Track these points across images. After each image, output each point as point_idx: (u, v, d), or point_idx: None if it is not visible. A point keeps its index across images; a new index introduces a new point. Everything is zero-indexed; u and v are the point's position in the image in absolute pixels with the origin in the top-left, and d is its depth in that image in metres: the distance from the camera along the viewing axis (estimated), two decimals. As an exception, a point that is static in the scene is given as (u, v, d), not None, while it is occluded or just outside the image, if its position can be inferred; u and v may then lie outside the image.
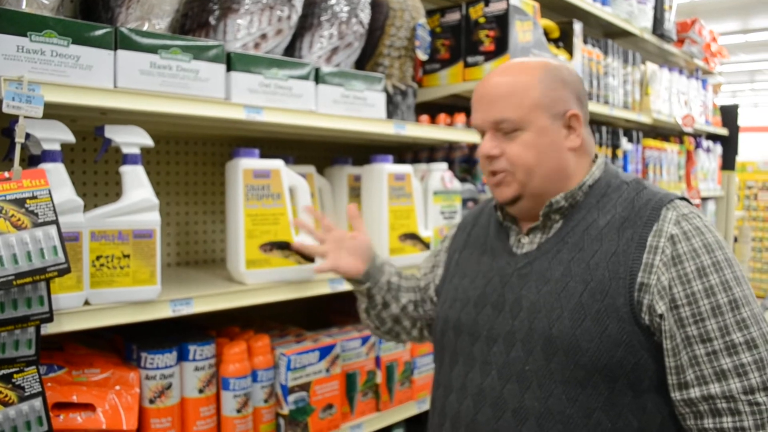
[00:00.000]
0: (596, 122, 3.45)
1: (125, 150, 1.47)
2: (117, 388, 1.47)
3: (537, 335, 1.24)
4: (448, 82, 2.49)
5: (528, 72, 1.34)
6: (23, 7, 1.36)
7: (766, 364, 1.11)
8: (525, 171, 1.31)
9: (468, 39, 2.43)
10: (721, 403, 1.12)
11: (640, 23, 3.60)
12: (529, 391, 1.23)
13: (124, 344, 1.67)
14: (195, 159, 2.19)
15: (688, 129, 4.07)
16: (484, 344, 1.32)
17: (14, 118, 1.26)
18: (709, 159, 4.78)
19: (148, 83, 1.47)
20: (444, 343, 1.43)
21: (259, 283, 1.71)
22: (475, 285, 1.40)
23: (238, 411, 1.69)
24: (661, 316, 1.16)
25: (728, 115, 5.14)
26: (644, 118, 3.64)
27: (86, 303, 1.39)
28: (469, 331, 1.36)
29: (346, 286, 1.91)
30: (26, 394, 1.23)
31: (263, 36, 1.74)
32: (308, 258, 1.77)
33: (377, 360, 2.06)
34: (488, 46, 2.37)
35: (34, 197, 1.23)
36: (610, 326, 1.18)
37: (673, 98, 4.03)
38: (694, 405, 1.15)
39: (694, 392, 1.14)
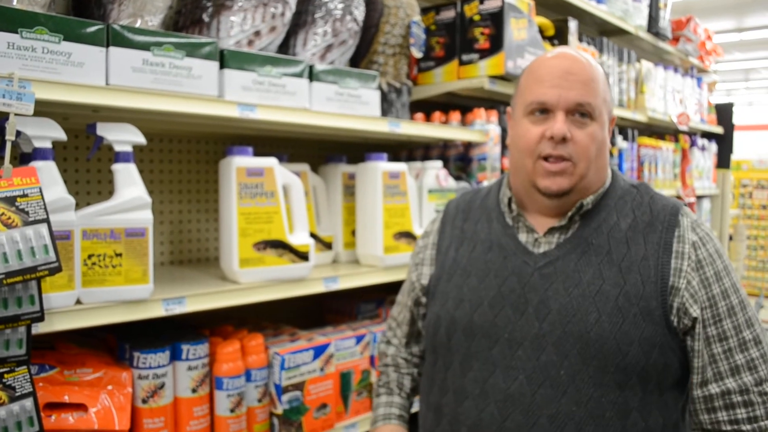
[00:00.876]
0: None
1: (117, 148, 1.46)
2: (109, 387, 1.46)
3: (573, 339, 1.22)
4: (443, 80, 2.48)
5: (596, 65, 1.33)
6: (14, 3, 1.35)
7: None
8: (587, 162, 1.28)
9: (463, 37, 2.42)
10: (736, 397, 1.20)
11: (635, 21, 3.60)
12: (565, 396, 1.20)
13: (116, 343, 1.66)
14: (188, 157, 2.18)
15: (683, 127, 4.07)
16: (506, 348, 1.27)
17: (4, 116, 1.25)
18: (704, 157, 4.78)
19: (141, 80, 1.46)
20: (451, 345, 1.36)
21: (253, 281, 1.70)
22: (487, 284, 1.34)
23: (232, 411, 1.69)
24: (695, 319, 1.22)
25: (723, 113, 5.15)
26: (639, 117, 3.64)
27: (78, 302, 1.38)
28: (486, 333, 1.30)
29: (340, 285, 1.90)
30: (17, 394, 1.22)
31: (257, 33, 1.73)
32: (302, 256, 1.77)
33: (372, 359, 2.05)
34: (483, 43, 2.36)
35: (24, 195, 1.22)
36: (646, 329, 1.20)
37: (668, 96, 4.03)
38: (711, 401, 1.21)
39: (714, 388, 1.21)
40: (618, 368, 1.19)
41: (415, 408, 1.54)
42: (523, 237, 1.35)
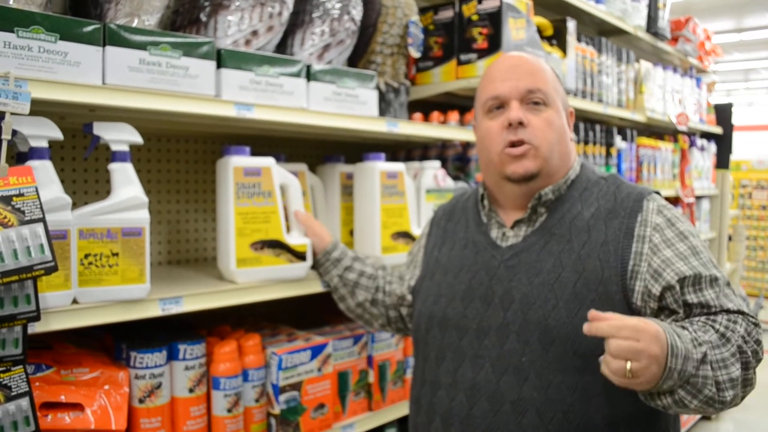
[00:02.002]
0: (590, 120, 3.45)
1: (114, 147, 1.46)
2: (106, 387, 1.46)
3: (533, 326, 1.25)
4: (441, 79, 2.48)
5: (544, 62, 1.42)
6: (10, 2, 1.35)
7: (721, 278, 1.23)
8: (548, 146, 1.34)
9: (461, 36, 2.42)
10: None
11: (634, 21, 3.59)
12: (527, 383, 1.24)
13: (113, 343, 1.66)
14: (185, 157, 2.18)
15: (682, 127, 4.07)
16: (474, 338, 1.32)
17: (1, 115, 1.24)
18: (704, 157, 4.78)
19: (138, 80, 1.45)
20: (428, 339, 1.43)
21: (250, 281, 1.70)
22: (460, 279, 1.41)
23: (229, 411, 1.68)
24: (659, 296, 1.22)
25: (722, 113, 5.15)
26: (638, 117, 3.64)
27: (74, 302, 1.38)
28: (456, 325, 1.37)
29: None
30: (13, 393, 1.22)
31: (254, 33, 1.73)
32: (299, 257, 1.76)
33: (369, 359, 2.05)
34: (481, 43, 2.36)
35: (20, 195, 1.22)
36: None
37: (668, 97, 4.03)
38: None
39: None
40: (576, 354, 1.21)
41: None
42: (494, 233, 1.42)
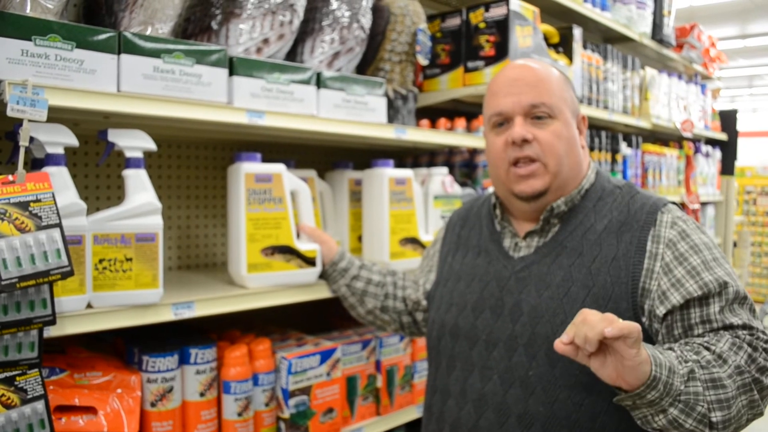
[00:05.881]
0: (596, 127, 3.46)
1: (128, 154, 1.48)
2: (119, 391, 1.48)
3: (540, 340, 1.24)
4: (448, 86, 2.50)
5: (549, 67, 1.37)
6: (27, 11, 1.37)
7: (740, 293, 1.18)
8: (556, 160, 1.30)
9: (468, 44, 2.44)
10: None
11: (640, 28, 3.61)
12: (533, 397, 1.23)
13: (125, 347, 1.68)
14: (197, 163, 2.20)
15: (687, 134, 4.08)
16: (483, 349, 1.32)
17: (18, 122, 1.26)
18: (708, 164, 4.79)
19: (151, 87, 1.47)
20: (440, 347, 1.43)
21: (261, 286, 1.71)
22: (472, 289, 1.40)
23: (239, 414, 1.70)
24: (663, 317, 1.18)
25: (727, 120, 5.16)
26: (643, 123, 3.65)
27: (89, 306, 1.40)
28: (467, 335, 1.36)
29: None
30: (29, 396, 1.24)
31: (265, 41, 1.75)
32: (310, 262, 1.78)
33: (378, 364, 2.07)
34: (488, 51, 2.37)
35: (37, 200, 1.23)
36: None
37: (672, 103, 4.04)
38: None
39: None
40: (583, 371, 1.18)
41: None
42: (506, 242, 1.41)
